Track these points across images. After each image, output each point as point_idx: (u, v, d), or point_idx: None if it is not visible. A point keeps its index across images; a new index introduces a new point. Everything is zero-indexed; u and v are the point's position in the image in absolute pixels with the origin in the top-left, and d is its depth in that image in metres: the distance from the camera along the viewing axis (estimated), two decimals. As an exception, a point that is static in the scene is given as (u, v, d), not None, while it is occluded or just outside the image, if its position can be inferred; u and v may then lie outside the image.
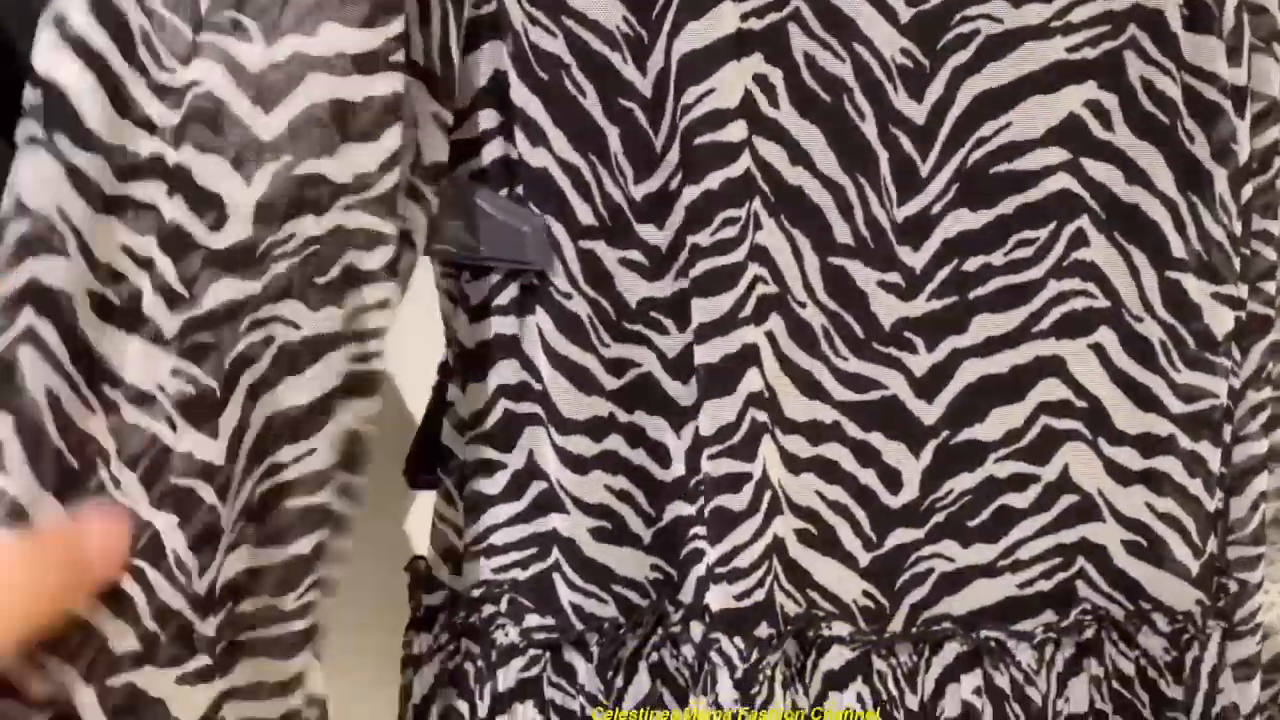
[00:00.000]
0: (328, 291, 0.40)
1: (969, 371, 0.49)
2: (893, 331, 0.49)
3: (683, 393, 0.50)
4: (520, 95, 0.47)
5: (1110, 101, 0.48)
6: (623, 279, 0.49)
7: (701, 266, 0.47)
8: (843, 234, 0.49)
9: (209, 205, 0.38)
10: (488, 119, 0.47)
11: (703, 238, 0.47)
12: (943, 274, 0.49)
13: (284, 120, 0.38)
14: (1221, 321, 0.49)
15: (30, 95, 0.35)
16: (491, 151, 0.48)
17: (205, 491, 0.37)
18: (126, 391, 0.36)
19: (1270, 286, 0.50)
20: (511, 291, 0.49)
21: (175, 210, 0.37)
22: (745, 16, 0.46)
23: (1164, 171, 0.48)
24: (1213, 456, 0.50)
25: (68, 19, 0.36)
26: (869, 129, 0.48)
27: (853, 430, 0.50)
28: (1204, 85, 0.48)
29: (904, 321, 0.49)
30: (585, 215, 0.48)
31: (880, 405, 0.50)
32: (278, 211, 0.38)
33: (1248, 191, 0.48)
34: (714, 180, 0.47)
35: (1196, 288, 0.49)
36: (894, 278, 0.49)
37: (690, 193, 0.47)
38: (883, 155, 0.48)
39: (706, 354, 0.48)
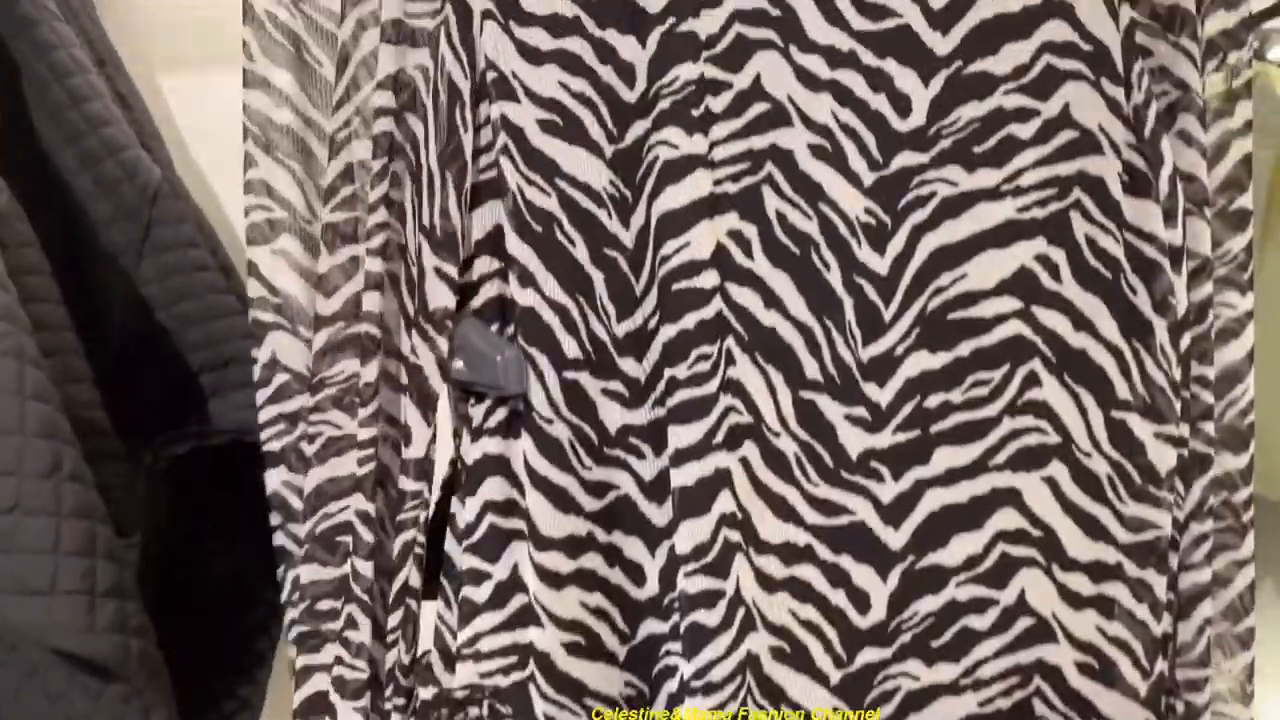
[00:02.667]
0: None
1: (932, 500, 0.53)
2: (860, 461, 0.53)
3: (658, 514, 0.53)
4: (515, 245, 0.51)
5: (1058, 256, 0.52)
6: (604, 408, 0.52)
7: (678, 397, 0.51)
8: (812, 371, 0.52)
9: None
10: (485, 265, 0.52)
11: (679, 371, 0.51)
12: (906, 409, 0.53)
13: None
14: (1164, 459, 0.52)
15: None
16: (487, 292, 0.53)
17: None
18: None
19: (1209, 427, 0.54)
20: (500, 415, 0.53)
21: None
22: (719, 181, 0.51)
23: (1108, 321, 0.52)
24: (1159, 584, 0.53)
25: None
26: (834, 278, 0.52)
27: (824, 553, 0.53)
28: (1144, 244, 0.52)
29: (871, 452, 0.53)
30: (571, 349, 0.52)
31: (850, 530, 0.53)
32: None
33: (1186, 341, 0.52)
34: (689, 321, 0.51)
35: (1141, 427, 0.52)
36: (860, 412, 0.53)
37: (667, 331, 0.51)
38: (848, 301, 0.52)
39: (681, 477, 0.51)
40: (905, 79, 0.52)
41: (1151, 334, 0.52)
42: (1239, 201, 0.54)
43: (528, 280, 0.52)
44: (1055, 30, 0.52)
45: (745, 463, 0.53)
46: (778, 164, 0.52)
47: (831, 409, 0.53)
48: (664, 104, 0.52)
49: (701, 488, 0.52)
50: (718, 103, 0.52)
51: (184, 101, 0.95)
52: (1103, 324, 0.52)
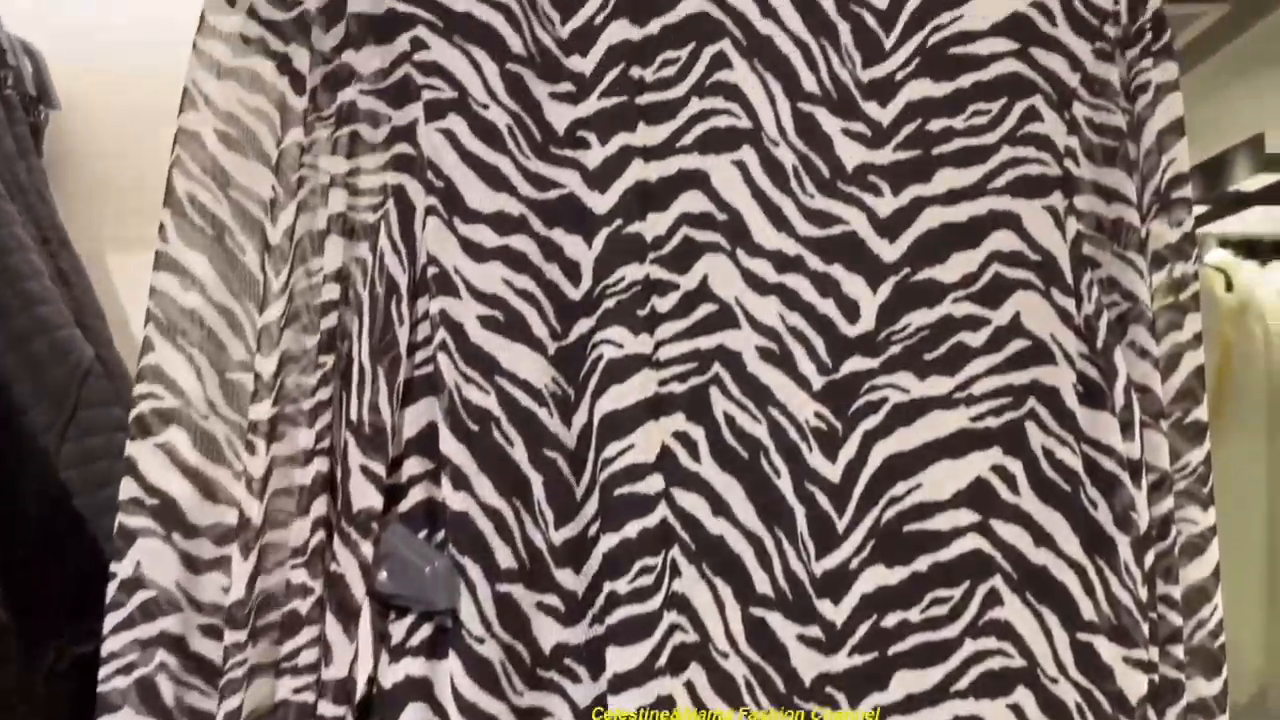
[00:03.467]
0: None
1: None
2: (814, 687, 0.49)
3: None
4: (449, 445, 0.48)
5: (1015, 467, 0.50)
6: (539, 624, 0.48)
7: (618, 614, 0.48)
8: (763, 585, 0.49)
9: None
10: (415, 465, 0.49)
11: (620, 585, 0.48)
12: (863, 629, 0.49)
13: None
14: (1135, 686, 0.49)
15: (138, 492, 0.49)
16: (416, 495, 0.49)
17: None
18: None
19: (1179, 650, 0.51)
20: (425, 632, 0.48)
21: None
22: (665, 381, 0.49)
23: (1069, 536, 0.50)
24: (1139, 827, 0.49)
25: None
26: (784, 485, 0.49)
27: None
28: (1102, 456, 0.50)
29: (825, 677, 0.49)
30: (505, 558, 0.48)
31: None
32: None
33: (1150, 558, 0.50)
34: (631, 529, 0.48)
35: (1108, 651, 0.49)
36: (814, 632, 0.49)
37: (608, 540, 0.48)
38: (799, 510, 0.49)
39: (620, 705, 0.47)
40: (853, 285, 0.51)
41: (1115, 551, 0.49)
42: (1194, 414, 0.53)
43: (461, 482, 0.48)
44: (1003, 240, 0.52)
45: (691, 688, 0.48)
46: (725, 365, 0.50)
47: (784, 628, 0.49)
48: (609, 303, 0.50)
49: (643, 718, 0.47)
50: (664, 303, 0.51)
51: (131, 280, 0.94)
52: (1063, 539, 0.50)
